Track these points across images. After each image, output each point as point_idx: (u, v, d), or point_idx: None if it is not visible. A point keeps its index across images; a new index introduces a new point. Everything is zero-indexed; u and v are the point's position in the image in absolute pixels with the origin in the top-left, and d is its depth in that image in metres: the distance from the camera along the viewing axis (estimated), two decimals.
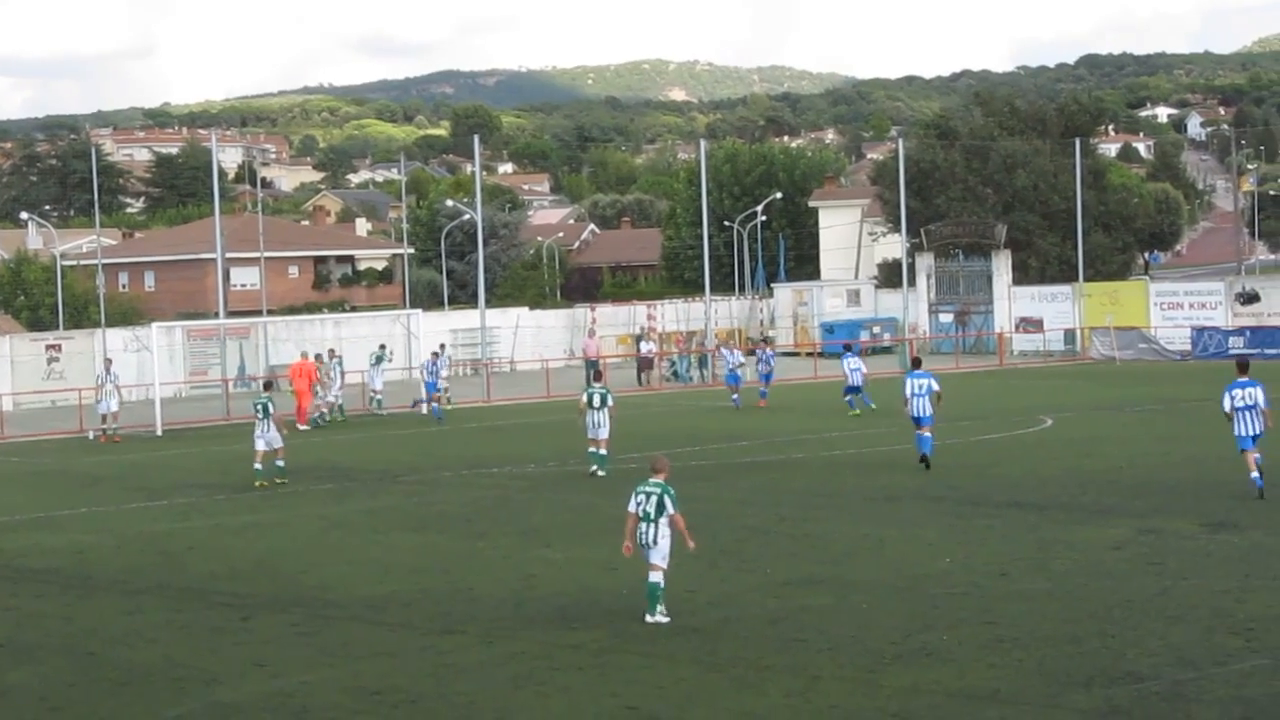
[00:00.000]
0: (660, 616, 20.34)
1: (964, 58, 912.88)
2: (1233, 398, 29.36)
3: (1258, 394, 29.22)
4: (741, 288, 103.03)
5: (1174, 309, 76.78)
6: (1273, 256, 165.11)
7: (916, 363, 37.97)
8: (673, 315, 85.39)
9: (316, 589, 23.82)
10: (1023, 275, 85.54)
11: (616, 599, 22.01)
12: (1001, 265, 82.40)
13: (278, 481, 36.94)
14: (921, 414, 35.09)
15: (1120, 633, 18.80)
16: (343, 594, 23.29)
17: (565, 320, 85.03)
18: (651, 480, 20.75)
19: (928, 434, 35.09)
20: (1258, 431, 29.11)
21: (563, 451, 40.69)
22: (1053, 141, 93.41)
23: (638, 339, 72.36)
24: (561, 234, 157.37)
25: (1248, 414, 29.24)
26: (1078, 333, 78.22)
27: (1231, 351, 70.27)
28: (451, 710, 16.69)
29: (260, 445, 37.17)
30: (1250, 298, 75.67)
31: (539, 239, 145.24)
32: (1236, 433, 29.34)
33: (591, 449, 36.38)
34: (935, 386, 35.44)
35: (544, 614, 21.24)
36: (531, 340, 79.80)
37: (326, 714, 16.77)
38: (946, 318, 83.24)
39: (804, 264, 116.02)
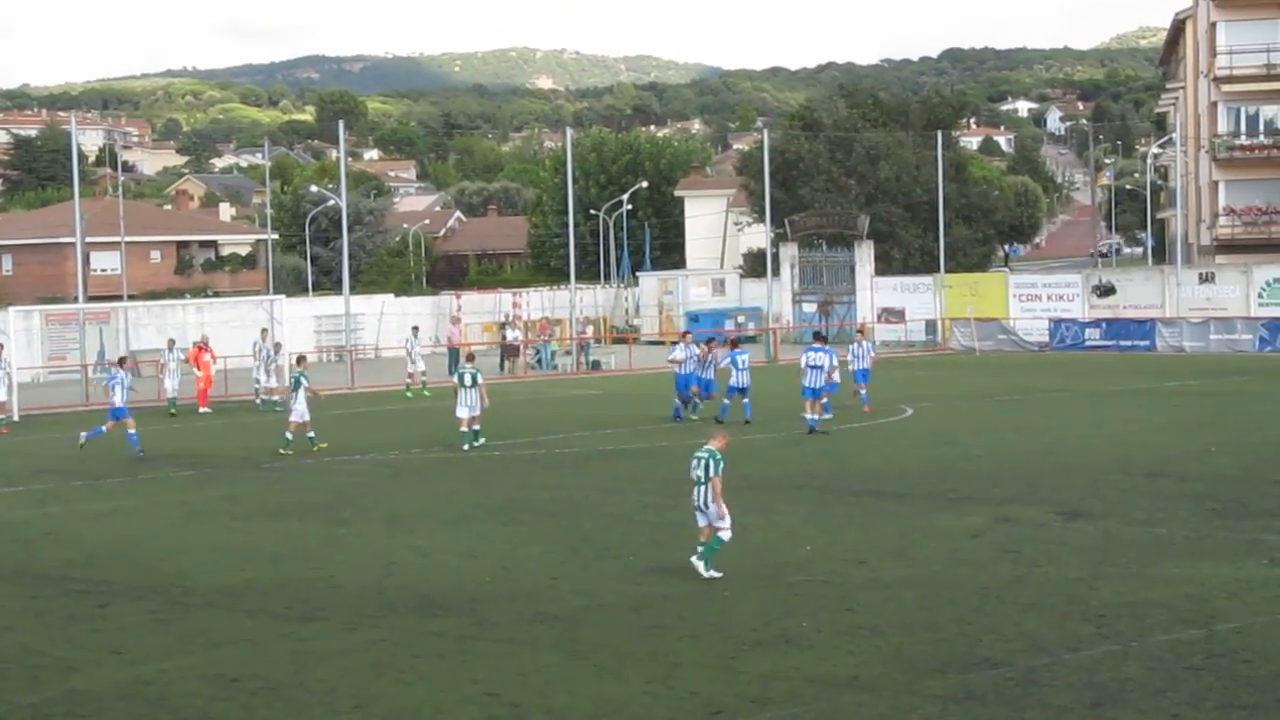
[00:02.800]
0: (712, 573, 21.73)
1: (829, 50, 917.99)
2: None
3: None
4: (607, 276, 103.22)
5: (1032, 300, 77.82)
6: (1128, 249, 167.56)
7: (817, 336, 40.28)
8: (538, 303, 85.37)
9: (175, 576, 23.60)
10: (885, 266, 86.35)
11: (479, 586, 22.00)
12: (864, 256, 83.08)
13: (317, 448, 38.94)
14: (815, 384, 39.14)
15: (977, 620, 19.06)
16: (202, 581, 23.09)
17: (431, 308, 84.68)
18: (705, 446, 22.34)
19: (824, 400, 39.64)
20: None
21: (426, 438, 40.55)
22: (915, 134, 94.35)
23: (502, 326, 72.23)
24: (427, 221, 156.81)
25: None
26: (939, 323, 79.06)
27: (1088, 343, 71.44)
28: (311, 697, 16.61)
29: (301, 416, 39.17)
30: (1107, 290, 76.86)
31: (404, 226, 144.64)
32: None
33: (463, 428, 38.36)
34: (834, 362, 39.77)
35: (405, 601, 21.19)
36: (397, 327, 79.40)
37: (184, 701, 16.64)
38: (810, 307, 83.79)
39: (669, 253, 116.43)
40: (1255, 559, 22.23)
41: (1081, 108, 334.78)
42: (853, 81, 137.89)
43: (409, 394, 55.95)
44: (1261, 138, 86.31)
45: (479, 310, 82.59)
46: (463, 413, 38.55)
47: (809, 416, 39.52)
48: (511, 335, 68.48)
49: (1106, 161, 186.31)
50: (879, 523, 26.39)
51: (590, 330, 78.83)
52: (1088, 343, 71.71)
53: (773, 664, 17.26)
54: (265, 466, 37.24)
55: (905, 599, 20.34)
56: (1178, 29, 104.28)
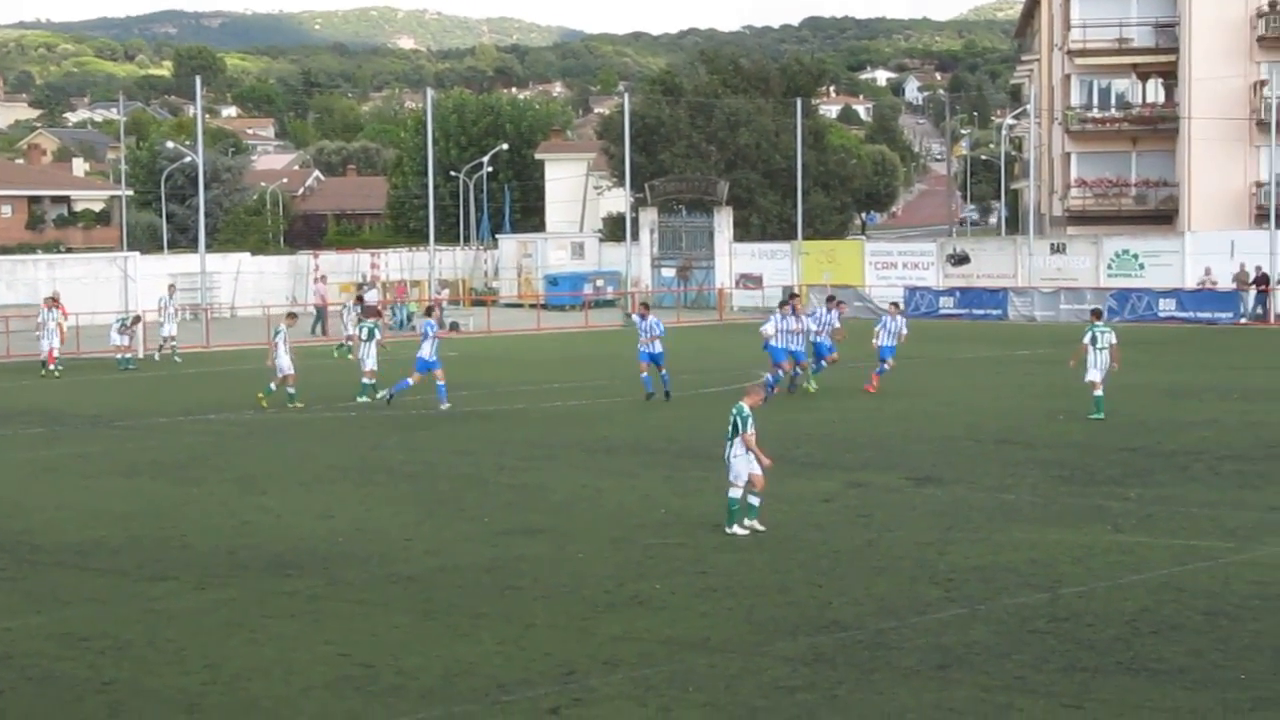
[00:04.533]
0: (739, 529, 22.20)
1: (692, 16, 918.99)
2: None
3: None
4: (467, 238, 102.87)
5: (888, 269, 78.59)
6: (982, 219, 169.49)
7: (645, 307, 41.08)
8: (397, 264, 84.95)
9: (23, 534, 23.29)
10: (744, 232, 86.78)
11: (332, 546, 21.92)
12: (723, 222, 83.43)
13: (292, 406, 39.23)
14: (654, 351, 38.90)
15: (827, 583, 19.28)
16: (50, 539, 22.81)
17: (288, 267, 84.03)
18: (738, 404, 22.63)
19: (664, 372, 39.03)
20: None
21: (281, 398, 40.27)
22: (775, 101, 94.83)
23: (360, 287, 71.80)
24: (286, 180, 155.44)
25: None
26: (796, 289, 79.51)
27: (942, 311, 72.29)
28: (161, 656, 16.49)
29: (285, 370, 39.75)
30: (961, 259, 77.78)
31: (263, 184, 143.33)
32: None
33: (365, 380, 40.48)
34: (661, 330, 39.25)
35: (258, 561, 21.07)
36: (254, 286, 78.70)
37: (31, 660, 16.44)
38: (669, 272, 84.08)
39: (530, 216, 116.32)
40: (1099, 525, 22.64)
41: (939, 78, 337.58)
42: (714, 48, 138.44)
43: (335, 354, 54.96)
44: (1113, 111, 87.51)
45: (337, 271, 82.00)
46: (364, 365, 40.66)
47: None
48: (370, 296, 68.08)
49: (963, 132, 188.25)
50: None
51: (446, 292, 78.60)
52: (942, 311, 72.59)
53: (626, 625, 17.37)
54: (117, 424, 36.81)
55: (758, 562, 20.53)
56: (1034, 2, 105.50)
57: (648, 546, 21.63)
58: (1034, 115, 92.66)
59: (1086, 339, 35.32)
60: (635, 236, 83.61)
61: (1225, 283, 68.74)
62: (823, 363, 42.18)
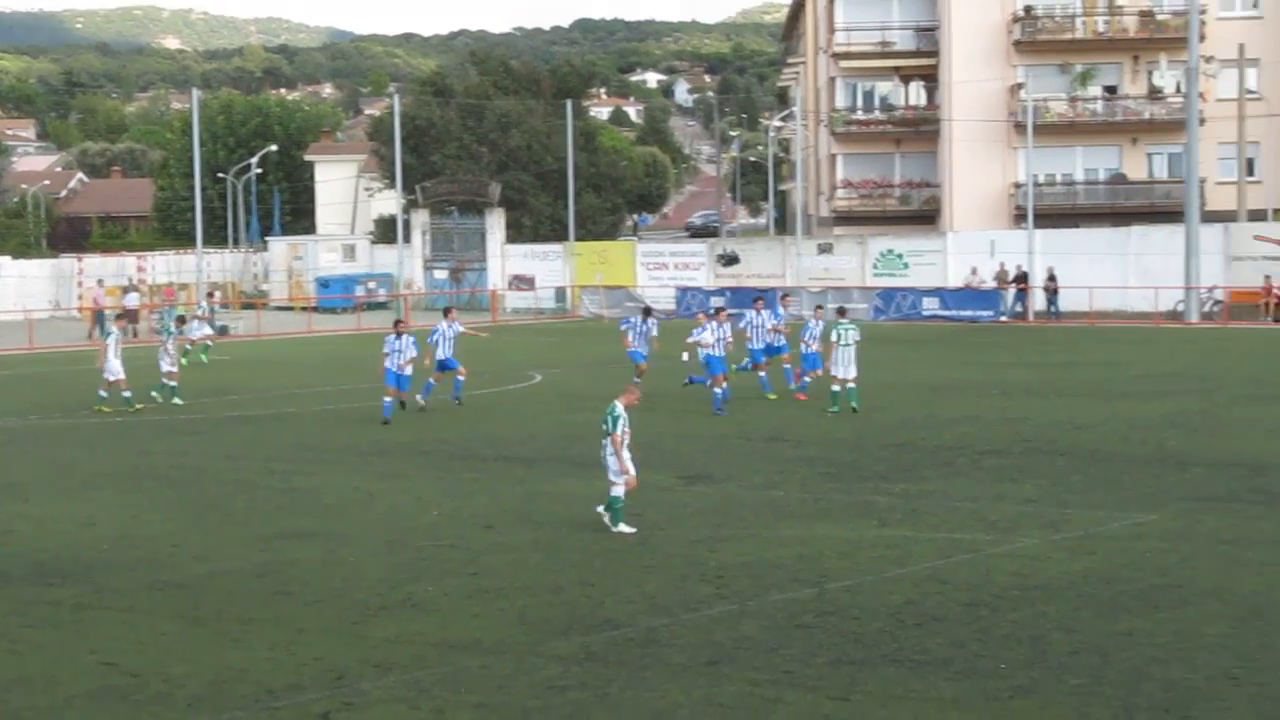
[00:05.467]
0: (625, 527, 22.11)
1: (462, 17, 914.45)
2: None
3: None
4: (236, 240, 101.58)
5: (660, 269, 79.21)
6: (753, 220, 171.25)
7: (447, 311, 40.55)
8: (164, 268, 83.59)
9: None
10: (516, 234, 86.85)
11: (97, 554, 21.52)
12: (495, 223, 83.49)
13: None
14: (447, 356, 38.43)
15: (599, 582, 19.38)
16: None
17: (51, 271, 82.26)
18: (612, 403, 22.48)
19: (460, 376, 38.51)
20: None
21: (44, 405, 39.44)
22: (546, 103, 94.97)
23: (125, 290, 70.58)
24: (48, 182, 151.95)
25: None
26: (568, 290, 79.84)
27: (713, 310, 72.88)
28: None
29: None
30: (731, 259, 78.63)
31: (23, 186, 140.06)
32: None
33: (166, 381, 40.67)
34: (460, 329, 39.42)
35: (19, 570, 20.61)
36: (14, 291, 76.90)
37: None
38: (441, 274, 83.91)
39: (300, 218, 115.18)
40: (866, 520, 23.05)
41: (709, 80, 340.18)
42: (485, 49, 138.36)
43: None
44: (877, 113, 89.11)
45: (102, 274, 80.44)
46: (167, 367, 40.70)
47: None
48: (131, 299, 66.92)
49: (732, 134, 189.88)
50: (506, 487, 26.60)
51: (218, 295, 77.53)
52: (713, 309, 73.16)
53: (398, 628, 17.30)
54: None
55: (531, 562, 20.57)
56: (799, 5, 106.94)
57: (420, 549, 21.57)
58: (800, 117, 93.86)
59: (833, 336, 36.12)
60: (407, 238, 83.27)
61: (990, 282, 70.32)
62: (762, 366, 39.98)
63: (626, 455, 22.32)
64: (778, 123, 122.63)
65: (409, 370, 36.71)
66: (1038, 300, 69.69)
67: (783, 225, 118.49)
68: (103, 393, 38.85)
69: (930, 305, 69.80)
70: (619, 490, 22.30)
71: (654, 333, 42.24)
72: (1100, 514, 23.24)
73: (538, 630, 17.10)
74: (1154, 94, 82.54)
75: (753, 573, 19.68)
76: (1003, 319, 67.83)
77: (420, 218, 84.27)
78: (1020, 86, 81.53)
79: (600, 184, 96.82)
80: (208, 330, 55.15)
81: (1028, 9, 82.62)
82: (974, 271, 71.00)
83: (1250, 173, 77.93)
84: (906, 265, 74.16)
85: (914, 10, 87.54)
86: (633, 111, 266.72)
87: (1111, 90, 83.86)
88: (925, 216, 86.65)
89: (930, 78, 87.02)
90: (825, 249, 77.32)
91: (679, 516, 23.64)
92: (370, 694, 14.93)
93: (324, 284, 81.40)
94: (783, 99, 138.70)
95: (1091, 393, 40.05)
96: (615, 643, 16.53)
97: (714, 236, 76.33)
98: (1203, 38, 72.96)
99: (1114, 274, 69.88)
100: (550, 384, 44.28)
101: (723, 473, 27.70)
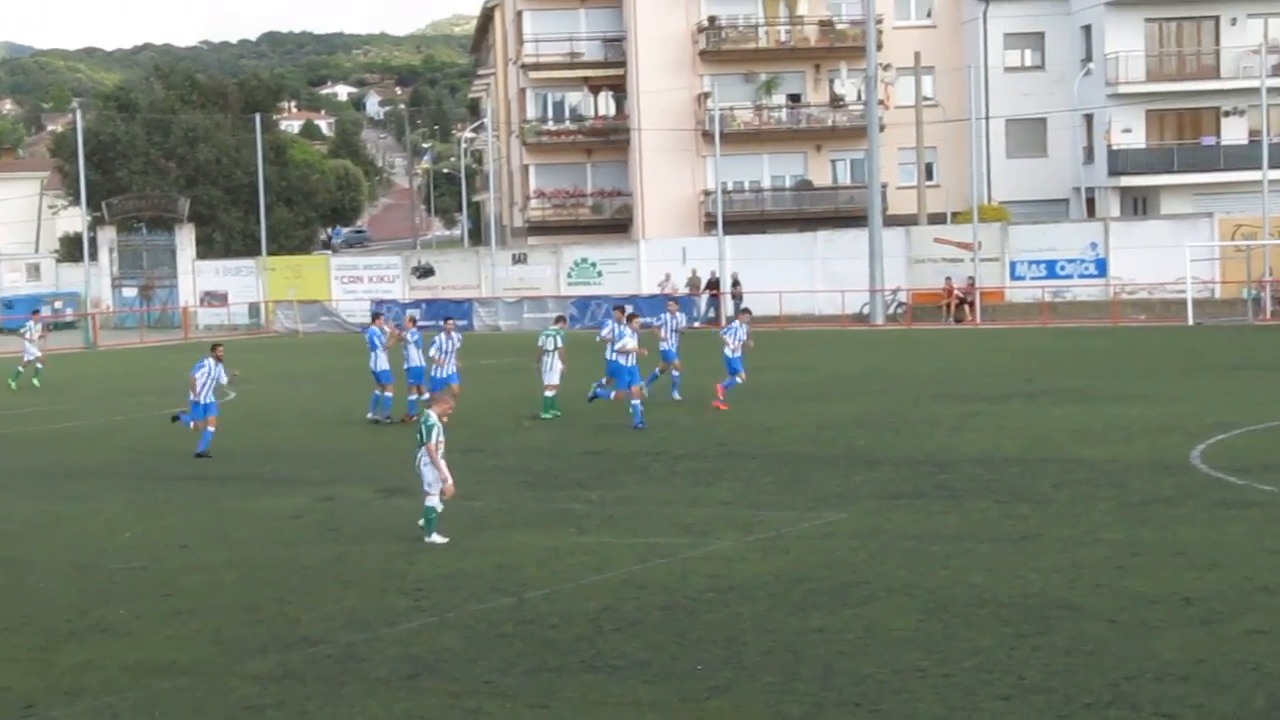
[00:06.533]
0: (438, 537, 22.20)
1: (146, 31, 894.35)
2: None
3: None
4: None
5: (355, 283, 78.77)
6: (448, 232, 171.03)
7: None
8: None
9: None
10: (207, 249, 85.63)
11: None
12: (185, 239, 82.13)
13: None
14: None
15: (297, 599, 19.21)
16: None
17: None
18: (425, 412, 22.74)
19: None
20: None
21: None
22: (235, 116, 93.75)
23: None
24: None
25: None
26: (262, 306, 78.86)
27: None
28: None
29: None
30: (426, 271, 78.49)
31: None
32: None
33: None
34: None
35: None
36: None
37: None
38: (130, 292, 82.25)
39: None
40: (563, 528, 23.23)
41: (400, 93, 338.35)
42: (170, 63, 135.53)
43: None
44: (567, 123, 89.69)
45: None
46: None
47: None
48: None
49: (425, 146, 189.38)
50: (200, 506, 26.22)
51: None
52: None
53: (89, 654, 16.94)
54: None
55: (226, 582, 20.31)
56: (488, 17, 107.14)
57: (112, 572, 21.13)
58: (492, 129, 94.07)
59: (540, 342, 36.96)
60: (94, 256, 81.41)
61: (684, 289, 71.20)
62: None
63: (443, 464, 22.26)
64: (470, 134, 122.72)
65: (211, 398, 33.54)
66: (729, 306, 70.78)
67: (478, 236, 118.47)
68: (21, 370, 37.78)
69: None
70: (434, 500, 22.33)
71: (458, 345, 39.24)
72: (792, 514, 23.76)
73: (234, 650, 16.90)
74: (836, 102, 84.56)
75: (452, 584, 19.70)
76: (696, 325, 68.75)
77: (107, 235, 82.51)
78: (707, 96, 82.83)
79: (292, 198, 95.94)
80: None
81: (712, 19, 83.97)
82: (667, 278, 71.86)
83: (929, 177, 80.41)
84: (600, 274, 74.82)
85: (602, 21, 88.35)
86: (324, 125, 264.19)
87: (795, 99, 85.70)
88: (618, 225, 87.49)
89: (619, 88, 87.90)
90: (520, 259, 77.63)
91: (377, 530, 23.56)
92: None
93: (8, 304, 79.20)
94: (474, 110, 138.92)
95: (782, 395, 40.90)
96: (313, 660, 16.42)
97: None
98: (880, 46, 75.13)
99: (802, 278, 71.37)
100: (244, 400, 43.63)
101: (418, 485, 27.58)
